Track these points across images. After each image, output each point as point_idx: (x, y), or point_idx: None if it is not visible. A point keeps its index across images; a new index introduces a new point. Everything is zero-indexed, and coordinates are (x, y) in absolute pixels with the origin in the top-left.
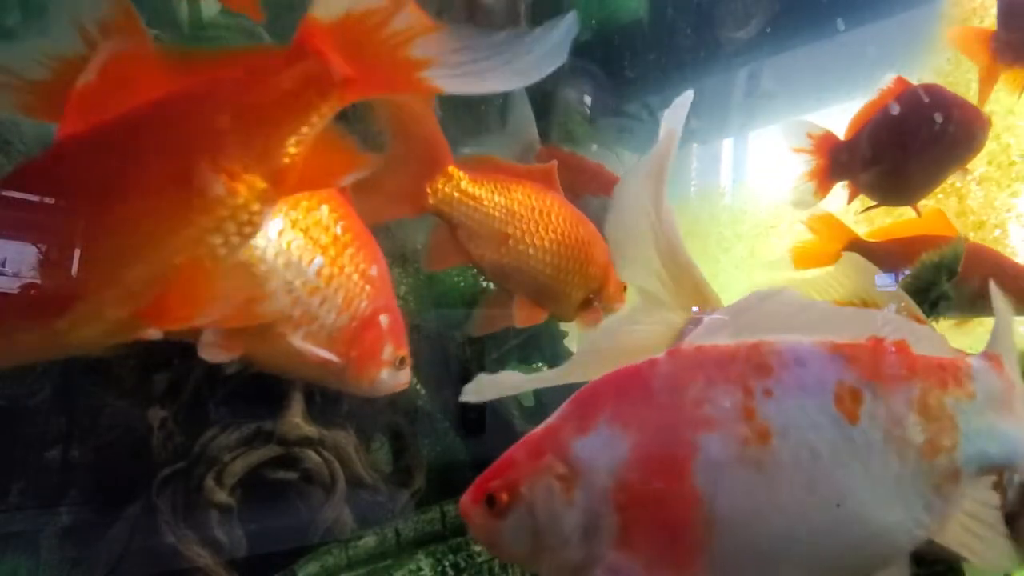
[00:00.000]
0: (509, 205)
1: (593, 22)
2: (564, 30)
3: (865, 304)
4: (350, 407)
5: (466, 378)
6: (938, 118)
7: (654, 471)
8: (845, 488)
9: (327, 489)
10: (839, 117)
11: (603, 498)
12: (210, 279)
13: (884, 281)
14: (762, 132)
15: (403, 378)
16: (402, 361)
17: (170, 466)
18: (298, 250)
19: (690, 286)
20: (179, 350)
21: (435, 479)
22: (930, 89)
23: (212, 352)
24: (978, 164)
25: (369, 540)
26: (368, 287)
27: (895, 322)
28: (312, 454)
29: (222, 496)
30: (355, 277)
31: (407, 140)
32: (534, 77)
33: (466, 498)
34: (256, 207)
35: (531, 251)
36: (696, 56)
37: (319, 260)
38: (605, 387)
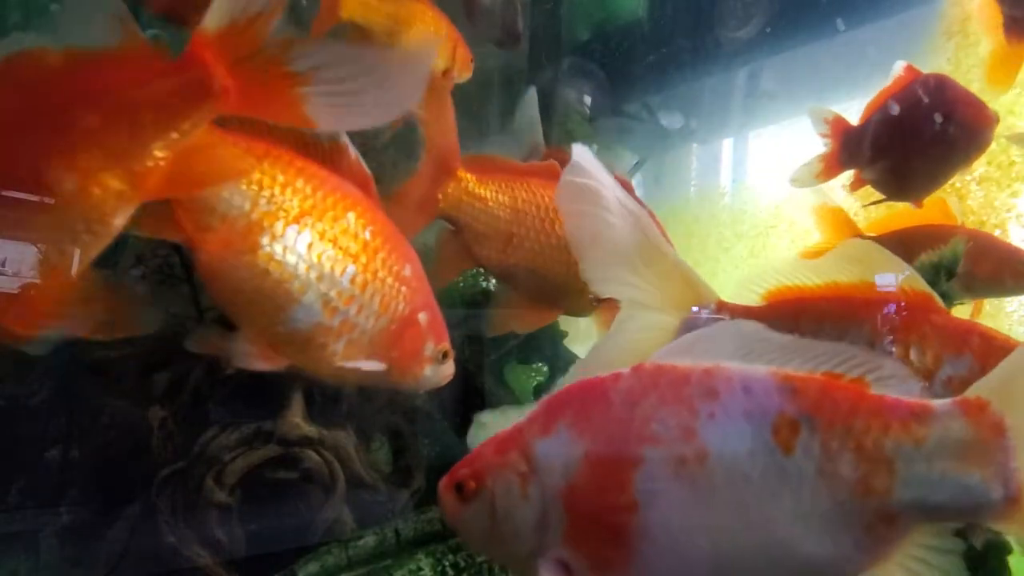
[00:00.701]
0: (513, 204)
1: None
2: (425, 58)
3: (869, 287)
4: (350, 407)
5: (466, 378)
6: (940, 115)
7: (601, 477)
8: (774, 516)
9: (327, 489)
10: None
11: (555, 497)
12: (62, 279)
13: (885, 281)
14: (762, 132)
15: (447, 371)
16: (444, 355)
17: (170, 466)
18: (329, 261)
19: (679, 284)
20: (179, 350)
21: (435, 479)
22: (935, 82)
23: (250, 361)
24: (978, 164)
25: (369, 540)
26: (404, 288)
27: (861, 357)
28: (312, 454)
29: (222, 496)
30: (389, 280)
31: (427, 148)
32: (400, 108)
33: (441, 483)
34: (110, 207)
35: (538, 249)
36: (696, 56)
37: (351, 268)
38: (571, 394)
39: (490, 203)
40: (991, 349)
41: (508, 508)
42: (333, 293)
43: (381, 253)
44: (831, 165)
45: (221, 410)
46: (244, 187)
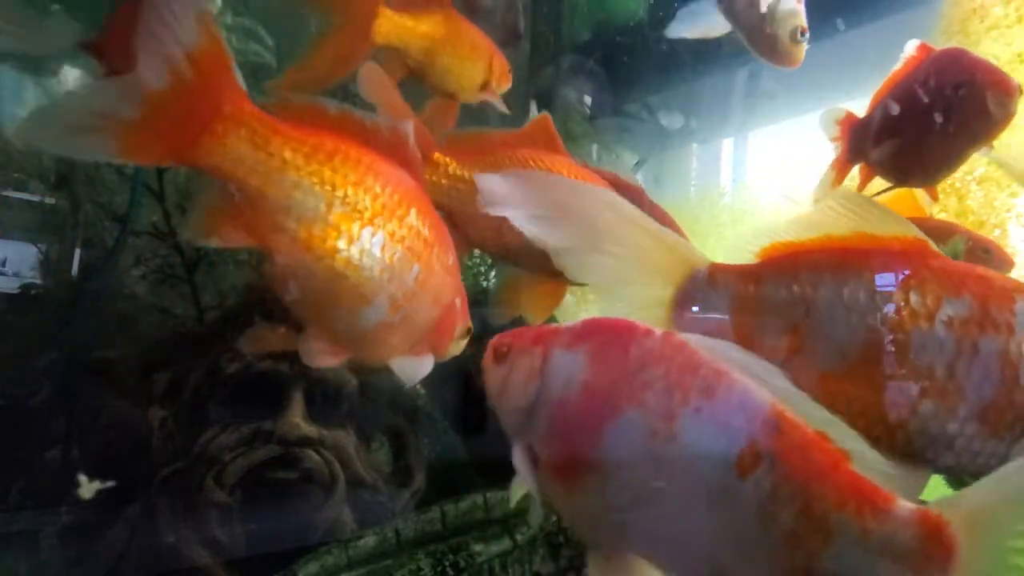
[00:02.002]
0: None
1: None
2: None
3: (864, 237)
4: (350, 407)
5: (466, 378)
6: (955, 85)
7: (585, 408)
8: (710, 526)
9: (327, 489)
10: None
11: (548, 400)
12: None
13: (885, 280)
14: (762, 132)
15: (463, 345)
16: (468, 331)
17: (170, 466)
18: (399, 263)
19: (663, 253)
20: (179, 350)
21: (435, 479)
22: (951, 54)
23: (320, 359)
24: (978, 164)
25: (369, 540)
26: (449, 278)
27: (851, 435)
28: (312, 454)
29: (222, 496)
30: (440, 272)
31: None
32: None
33: (492, 340)
34: None
35: None
36: (696, 56)
37: (416, 268)
38: (605, 328)
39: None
40: (990, 290)
41: (515, 386)
42: (400, 293)
43: (436, 248)
44: (841, 165)
45: (221, 410)
46: (318, 187)
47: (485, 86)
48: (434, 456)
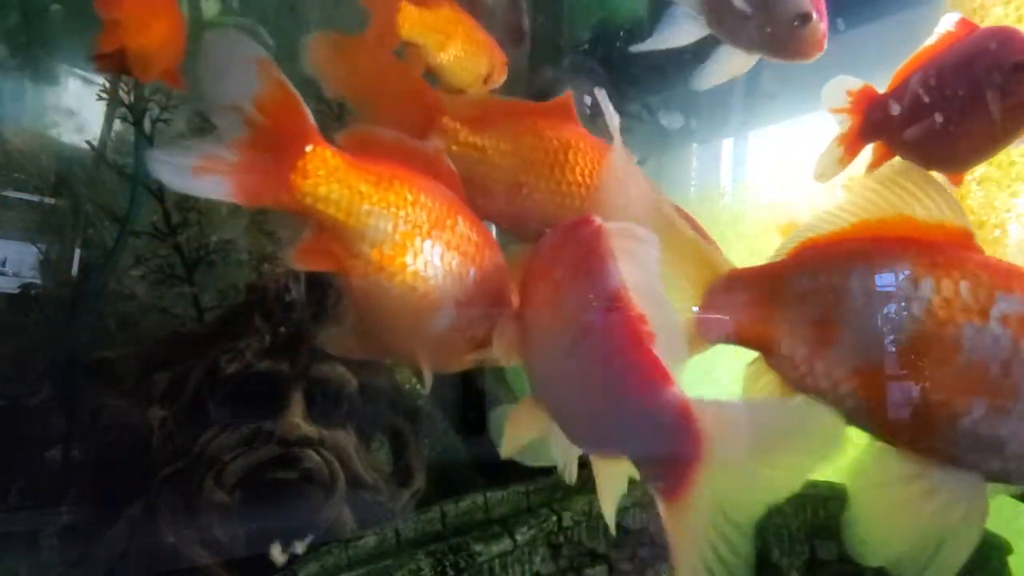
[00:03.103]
0: (518, 151)
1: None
2: None
3: (904, 220)
4: (350, 407)
5: (467, 378)
6: (1009, 65)
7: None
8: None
9: (327, 489)
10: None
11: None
12: None
13: (885, 281)
14: (762, 132)
15: None
16: None
17: (170, 466)
18: (458, 267)
19: (694, 258)
20: (179, 350)
21: (435, 479)
22: (1006, 33)
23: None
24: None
25: (369, 540)
26: (496, 275)
27: (665, 330)
28: (312, 454)
29: (222, 496)
30: (491, 271)
31: (392, 99)
32: None
33: None
34: None
35: (550, 196)
36: (696, 56)
37: (472, 272)
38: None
39: (489, 152)
40: None
41: None
42: (463, 296)
43: (485, 249)
44: (853, 142)
45: (221, 410)
46: (385, 211)
47: (488, 79)
48: (434, 456)
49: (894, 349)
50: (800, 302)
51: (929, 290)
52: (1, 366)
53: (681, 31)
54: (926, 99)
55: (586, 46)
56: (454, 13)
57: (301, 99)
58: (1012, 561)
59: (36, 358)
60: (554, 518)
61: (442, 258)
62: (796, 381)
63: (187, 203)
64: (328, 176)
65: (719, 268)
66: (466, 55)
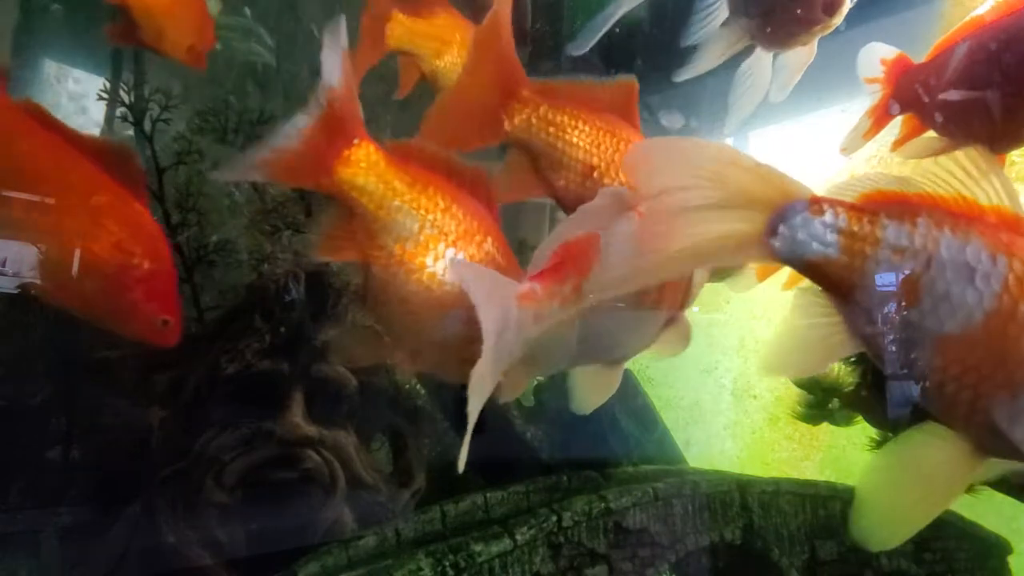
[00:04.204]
0: (594, 136)
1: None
2: None
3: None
4: (350, 407)
5: (466, 378)
6: None
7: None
8: None
9: (327, 489)
10: (839, 117)
11: None
12: None
13: (884, 281)
14: (762, 132)
15: None
16: None
17: (170, 466)
18: None
19: (763, 180)
20: (179, 350)
21: (435, 479)
22: None
23: (405, 368)
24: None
25: (369, 540)
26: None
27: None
28: (312, 454)
29: (222, 496)
30: None
31: (478, 63)
32: None
33: None
34: None
35: (619, 182)
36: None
37: None
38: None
39: (568, 131)
40: None
41: None
42: (475, 313)
43: (509, 274)
44: (882, 114)
45: (221, 410)
46: (415, 211)
47: None
48: (434, 456)
49: (972, 324)
50: (893, 252)
51: (1004, 267)
52: (1, 366)
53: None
54: (970, 73)
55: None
56: (451, 19)
57: (356, 97)
58: (1012, 561)
59: (36, 358)
60: (554, 518)
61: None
62: (867, 338)
63: (187, 203)
64: (368, 169)
65: (792, 192)
66: (462, 61)
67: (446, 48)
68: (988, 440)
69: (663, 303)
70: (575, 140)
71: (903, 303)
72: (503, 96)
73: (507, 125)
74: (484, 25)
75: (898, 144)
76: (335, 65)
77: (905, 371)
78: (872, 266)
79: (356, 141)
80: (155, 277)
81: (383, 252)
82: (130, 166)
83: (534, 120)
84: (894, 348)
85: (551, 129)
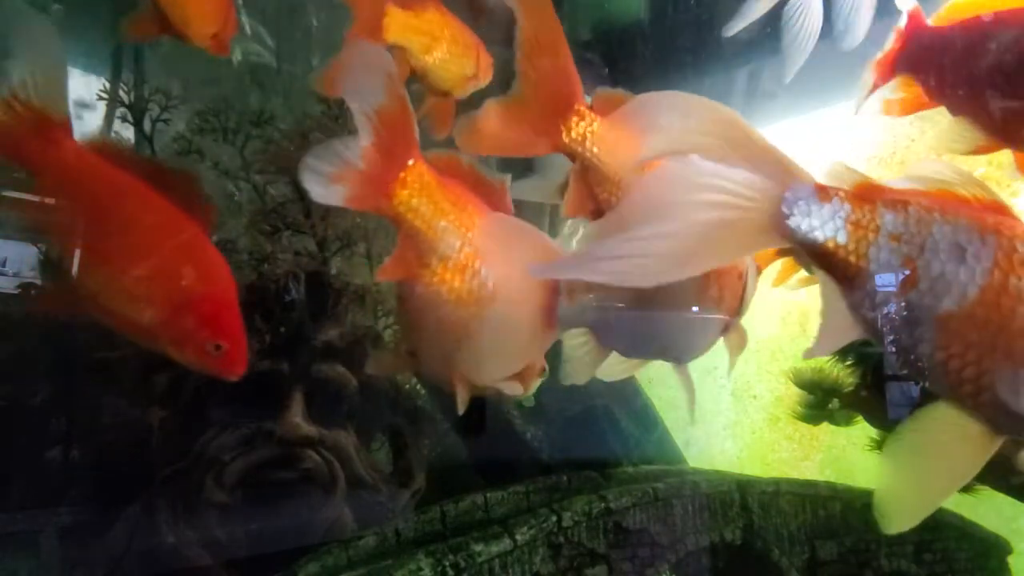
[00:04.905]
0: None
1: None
2: None
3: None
4: (351, 407)
5: None
6: None
7: None
8: None
9: (327, 489)
10: (839, 117)
11: None
12: None
13: (884, 281)
14: (762, 132)
15: (538, 383)
16: (543, 370)
17: (170, 466)
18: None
19: (774, 161)
20: None
21: (435, 479)
22: None
23: (439, 382)
24: (978, 164)
25: (369, 540)
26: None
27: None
28: (312, 454)
29: (222, 496)
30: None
31: (538, 73)
32: None
33: None
34: None
35: None
36: (696, 56)
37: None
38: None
39: (619, 149)
40: None
41: None
42: (507, 327)
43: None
44: (885, 70)
45: (221, 410)
46: (458, 229)
47: (471, 79)
48: (434, 456)
49: (968, 300)
50: (891, 238)
51: (993, 244)
52: (1, 366)
53: None
54: (995, 52)
55: (587, 43)
56: (440, 15)
57: (413, 115)
58: (1012, 561)
59: (36, 358)
60: (554, 518)
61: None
62: (871, 322)
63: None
64: (421, 190)
65: (798, 177)
66: (451, 57)
67: (435, 44)
68: (997, 417)
69: (721, 308)
70: (624, 159)
71: (903, 287)
72: (558, 110)
73: (564, 136)
74: (542, 33)
75: (909, 109)
76: (388, 82)
77: (910, 355)
78: (874, 252)
79: (411, 162)
80: (207, 301)
81: (428, 271)
82: (192, 191)
83: (589, 135)
84: (897, 331)
85: (600, 145)
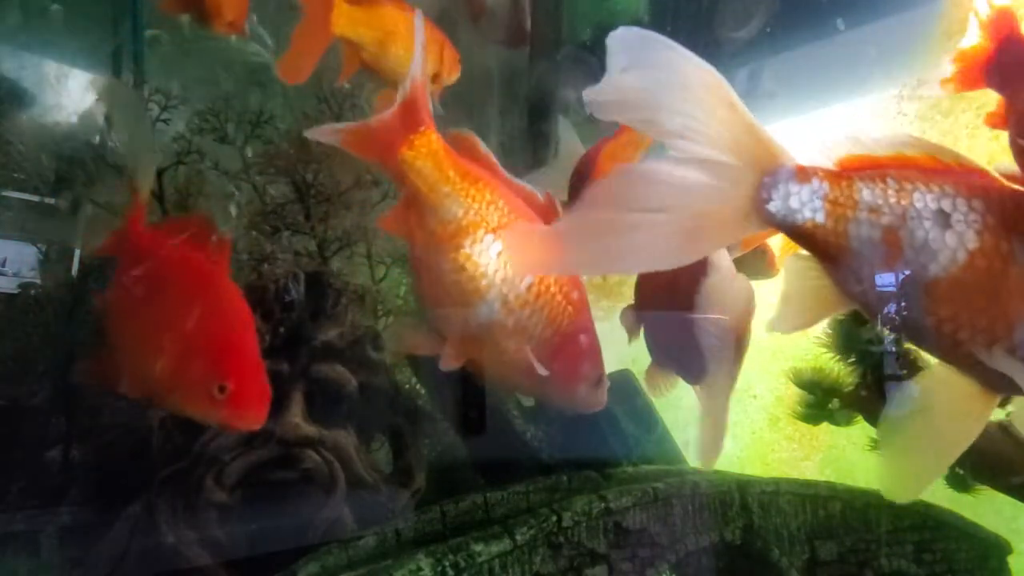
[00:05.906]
0: None
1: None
2: None
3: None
4: (350, 407)
5: (467, 377)
6: None
7: None
8: None
9: (327, 489)
10: (839, 117)
11: None
12: None
13: (884, 281)
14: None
15: (600, 397)
16: (599, 380)
17: (170, 466)
18: (512, 273)
19: (756, 142)
20: None
21: (435, 479)
22: None
23: (447, 361)
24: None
25: (369, 540)
26: (570, 307)
27: None
28: (312, 454)
29: (222, 496)
30: (559, 297)
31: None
32: None
33: None
34: None
35: None
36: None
37: (530, 279)
38: None
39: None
40: None
41: None
42: (511, 296)
43: (557, 277)
44: (973, 74)
45: None
46: (461, 198)
47: (436, 77)
48: (434, 456)
49: (956, 265)
50: (870, 212)
51: (981, 207)
52: (1, 366)
53: None
54: None
55: (587, 43)
56: (397, 11)
57: (428, 92)
58: (1012, 561)
59: (36, 358)
60: (554, 518)
61: (499, 255)
62: (857, 296)
63: (187, 204)
64: (428, 154)
65: (780, 157)
66: (408, 52)
67: (390, 39)
68: (994, 377)
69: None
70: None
71: (887, 258)
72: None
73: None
74: None
75: (992, 119)
76: (419, 59)
77: (903, 323)
78: (853, 228)
79: (422, 128)
80: (213, 343)
81: (425, 232)
82: (209, 237)
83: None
84: (885, 301)
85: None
